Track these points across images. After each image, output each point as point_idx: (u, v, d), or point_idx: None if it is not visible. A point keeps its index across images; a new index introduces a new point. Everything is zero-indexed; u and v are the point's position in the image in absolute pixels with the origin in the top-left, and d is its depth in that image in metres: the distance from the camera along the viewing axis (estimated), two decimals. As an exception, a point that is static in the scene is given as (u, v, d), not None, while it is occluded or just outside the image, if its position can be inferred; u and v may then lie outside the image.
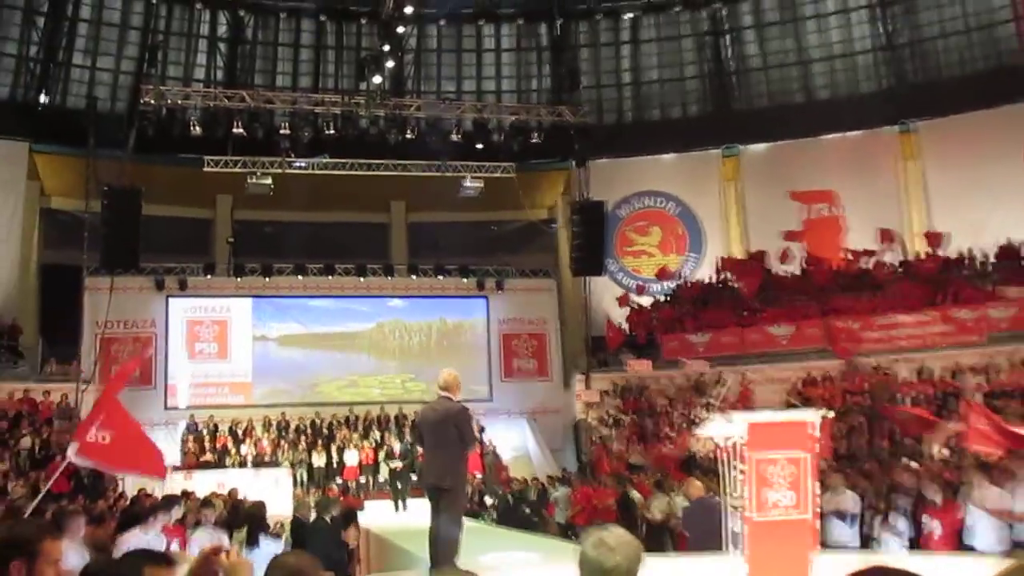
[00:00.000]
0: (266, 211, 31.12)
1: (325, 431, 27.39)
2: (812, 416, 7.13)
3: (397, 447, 24.46)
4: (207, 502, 11.81)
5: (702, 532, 9.09)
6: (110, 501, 16.52)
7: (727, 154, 32.71)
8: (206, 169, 28.12)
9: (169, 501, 10.41)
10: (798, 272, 29.24)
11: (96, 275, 26.71)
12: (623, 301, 29.90)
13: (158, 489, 21.27)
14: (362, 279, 30.38)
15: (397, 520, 19.89)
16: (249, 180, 27.84)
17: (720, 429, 7.20)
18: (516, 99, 32.82)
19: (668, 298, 30.47)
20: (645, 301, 30.80)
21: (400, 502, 21.72)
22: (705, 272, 31.33)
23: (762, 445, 6.79)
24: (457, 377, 8.57)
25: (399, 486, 22.27)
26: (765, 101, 32.74)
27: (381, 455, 25.77)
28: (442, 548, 8.13)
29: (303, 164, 28.69)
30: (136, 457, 9.37)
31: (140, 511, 9.63)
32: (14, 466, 21.55)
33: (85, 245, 26.10)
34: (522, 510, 18.65)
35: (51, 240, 29.92)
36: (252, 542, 9.55)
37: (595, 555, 3.07)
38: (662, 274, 31.34)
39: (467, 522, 8.89)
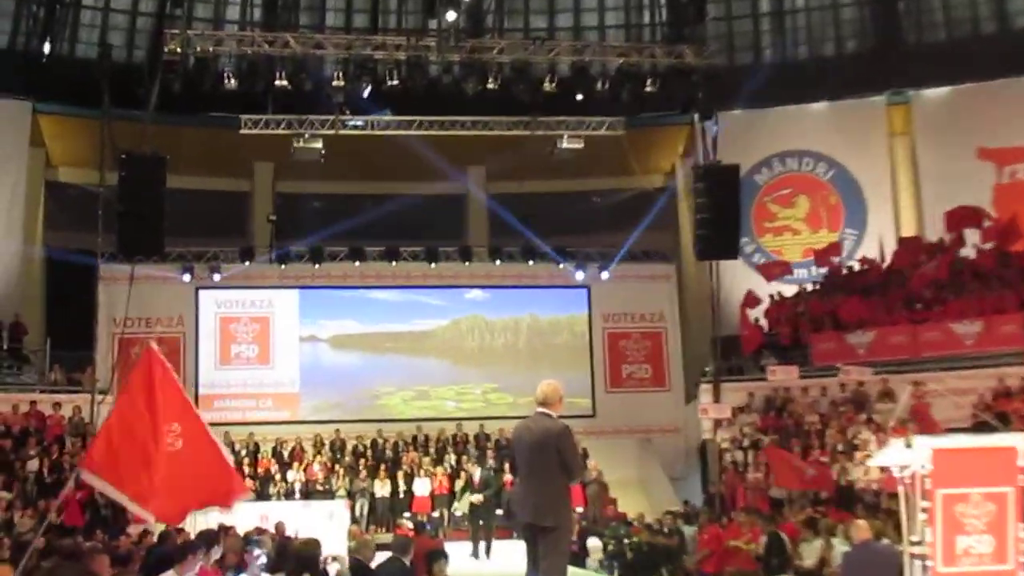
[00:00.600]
0: (315, 182, 31.58)
1: (389, 454, 27.71)
2: (1015, 440, 6.97)
3: (477, 474, 24.60)
4: (251, 539, 12.08)
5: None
6: (133, 537, 16.97)
7: (894, 101, 32.04)
8: (243, 131, 28.64)
9: (206, 539, 10.67)
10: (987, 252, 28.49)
11: (112, 262, 27.32)
12: (750, 301, 29.51)
13: (189, 523, 21.84)
14: (433, 266, 30.66)
15: (477, 568, 20.09)
16: (295, 144, 28.26)
17: (896, 457, 7.08)
18: (624, 37, 32.63)
19: (819, 286, 30.02)
20: (788, 290, 30.40)
21: (482, 545, 21.84)
22: (868, 252, 30.76)
23: (952, 478, 6.65)
24: (559, 389, 8.56)
25: (480, 524, 22.36)
26: (943, 33, 31.97)
27: (458, 484, 25.95)
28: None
29: (360, 123, 29.03)
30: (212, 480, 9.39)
31: (172, 550, 9.90)
32: (20, 492, 22.23)
33: (100, 226, 26.69)
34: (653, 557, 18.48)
35: (58, 220, 30.83)
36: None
37: None
38: (823, 257, 30.74)
39: (571, 571, 8.91)
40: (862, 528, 10.35)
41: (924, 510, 6.73)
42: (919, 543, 6.78)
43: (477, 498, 22.65)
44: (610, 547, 20.31)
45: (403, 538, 11.97)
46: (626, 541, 20.38)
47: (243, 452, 27.32)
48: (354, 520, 24.63)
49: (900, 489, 6.98)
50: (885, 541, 10.40)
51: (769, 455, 23.47)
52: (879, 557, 9.23)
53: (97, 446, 9.05)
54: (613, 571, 18.46)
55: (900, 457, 6.88)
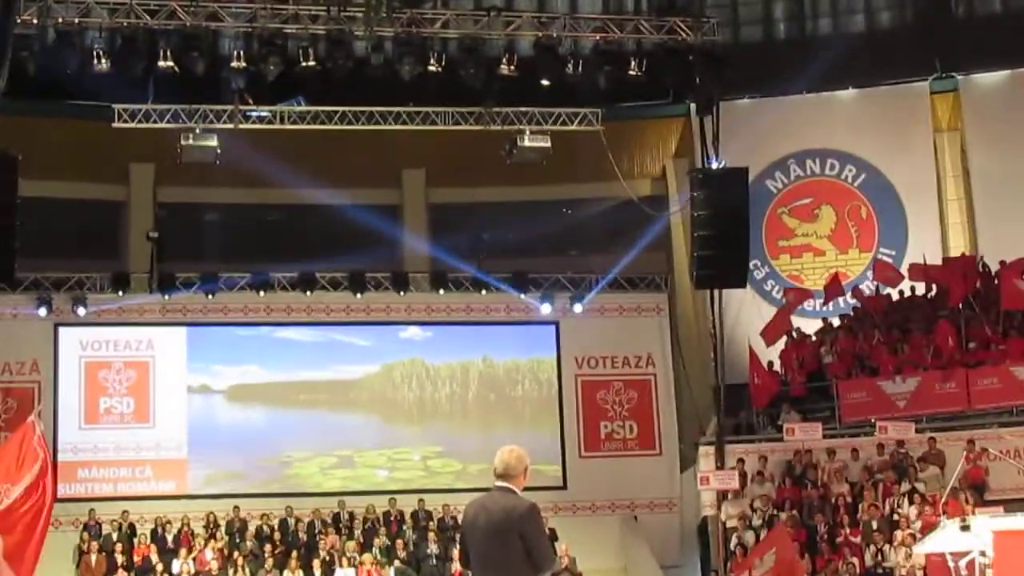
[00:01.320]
0: (209, 189, 31.56)
1: (303, 537, 27.62)
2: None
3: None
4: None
5: None
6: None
7: (940, 88, 32.49)
8: (116, 124, 28.52)
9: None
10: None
11: (-55, 293, 27.24)
12: (771, 335, 29.69)
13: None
14: (359, 296, 30.69)
15: None
16: (183, 140, 28.17)
17: (949, 541, 7.15)
18: (601, 7, 32.84)
19: (847, 321, 30.22)
20: (809, 326, 30.59)
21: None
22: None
23: (1019, 567, 6.73)
24: (524, 458, 8.56)
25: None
26: (999, 4, 32.41)
27: (389, 573, 25.87)
28: None
29: (266, 114, 28.98)
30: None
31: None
32: None
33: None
34: None
35: None
36: None
37: None
38: (831, 286, 31.02)
39: None
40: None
41: (985, 607, 6.81)
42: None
43: None
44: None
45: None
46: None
47: (114, 535, 27.18)
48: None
49: (954, 581, 7.06)
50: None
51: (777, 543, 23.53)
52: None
53: None
54: None
55: (953, 542, 6.96)
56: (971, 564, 6.87)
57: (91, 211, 32.15)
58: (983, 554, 6.83)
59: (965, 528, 6.81)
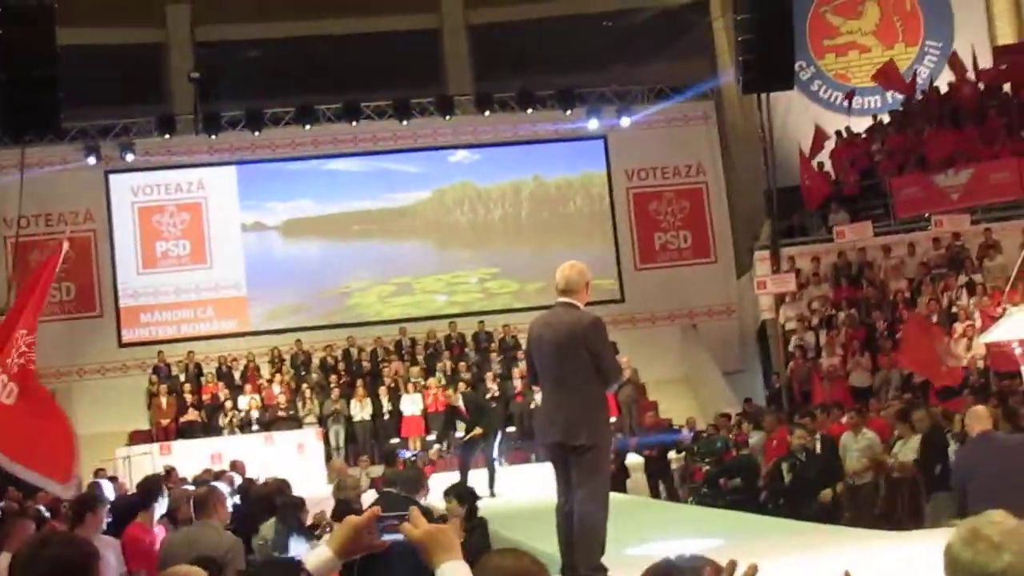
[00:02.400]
0: (248, 25, 31.33)
1: (367, 366, 27.93)
2: None
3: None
4: (205, 484, 12.12)
5: (990, 486, 9.11)
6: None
7: None
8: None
9: (148, 489, 10.69)
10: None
11: (-6, 146, 27.28)
12: (816, 145, 29.41)
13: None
14: (405, 123, 30.50)
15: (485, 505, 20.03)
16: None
17: (1016, 329, 7.12)
18: None
19: (897, 117, 29.89)
20: (859, 124, 30.27)
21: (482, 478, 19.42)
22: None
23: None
24: (585, 272, 8.61)
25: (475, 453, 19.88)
26: None
27: (457, 398, 26.16)
28: (582, 540, 8.26)
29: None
30: (41, 442, 9.94)
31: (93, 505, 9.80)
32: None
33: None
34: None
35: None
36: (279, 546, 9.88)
37: (971, 556, 3.26)
38: (883, 77, 30.66)
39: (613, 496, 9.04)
40: (980, 416, 10.39)
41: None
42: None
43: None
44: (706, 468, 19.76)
45: (412, 471, 12.13)
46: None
47: (182, 376, 27.58)
48: (333, 453, 24.94)
49: (1022, 369, 7.05)
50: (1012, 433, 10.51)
51: (911, 327, 22.97)
52: (1005, 451, 9.29)
53: None
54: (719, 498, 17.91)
55: (1020, 329, 6.92)
56: (1040, 349, 6.83)
57: (131, 56, 32.00)
58: (1051, 339, 6.78)
59: (1034, 314, 6.75)
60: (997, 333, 7.18)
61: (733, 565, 3.13)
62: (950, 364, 20.78)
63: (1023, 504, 7.10)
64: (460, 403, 21.07)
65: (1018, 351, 6.90)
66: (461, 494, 11.16)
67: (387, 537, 3.65)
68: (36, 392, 10.23)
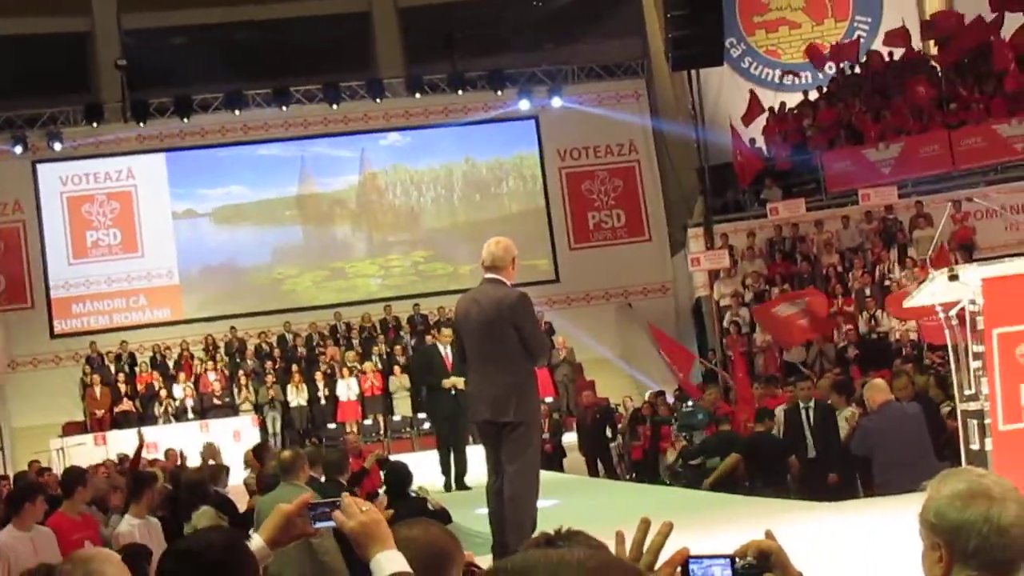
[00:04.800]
0: (173, 12, 31.06)
1: (302, 351, 27.82)
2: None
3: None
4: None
5: (893, 455, 9.28)
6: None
7: None
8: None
9: (76, 477, 10.61)
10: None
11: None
12: (752, 113, 29.54)
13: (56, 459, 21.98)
14: (335, 107, 30.41)
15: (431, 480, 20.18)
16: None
17: (938, 293, 7.17)
18: None
19: (827, 91, 30.07)
20: (791, 99, 30.44)
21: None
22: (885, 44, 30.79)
23: (1010, 313, 6.75)
24: (511, 248, 8.58)
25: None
26: None
27: (393, 382, 26.16)
28: (512, 517, 8.25)
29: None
30: None
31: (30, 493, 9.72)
32: None
33: None
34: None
35: None
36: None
37: (978, 513, 3.16)
38: (813, 53, 30.84)
39: (545, 475, 9.06)
40: (880, 388, 10.47)
41: (977, 356, 6.85)
42: (973, 397, 6.92)
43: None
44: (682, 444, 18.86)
45: (336, 452, 12.09)
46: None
47: (113, 367, 27.36)
48: (266, 438, 24.86)
49: (947, 333, 7.08)
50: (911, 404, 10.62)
51: (758, 317, 23.79)
52: (905, 419, 9.44)
53: None
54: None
55: (943, 293, 6.97)
56: (961, 313, 6.86)
57: (57, 45, 31.60)
58: (972, 302, 6.81)
59: (954, 278, 6.78)
60: (919, 298, 7.29)
61: (647, 523, 3.08)
62: (803, 321, 21.02)
63: (924, 471, 7.24)
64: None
65: (941, 315, 6.99)
66: (390, 470, 11.16)
67: (319, 525, 3.58)
68: None
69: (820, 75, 30.75)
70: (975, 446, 6.97)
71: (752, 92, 29.84)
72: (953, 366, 7.05)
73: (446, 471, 15.41)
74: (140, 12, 31.41)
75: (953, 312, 7.12)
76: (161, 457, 18.89)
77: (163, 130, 29.99)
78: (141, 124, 29.62)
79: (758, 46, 32.32)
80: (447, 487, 15.07)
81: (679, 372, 22.95)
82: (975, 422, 6.98)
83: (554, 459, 20.53)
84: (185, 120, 29.80)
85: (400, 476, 10.55)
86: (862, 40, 31.44)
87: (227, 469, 13.63)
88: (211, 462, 15.10)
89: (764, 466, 14.68)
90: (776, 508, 10.61)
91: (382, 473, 11.84)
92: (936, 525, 3.23)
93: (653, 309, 30.14)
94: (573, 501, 12.29)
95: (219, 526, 4.15)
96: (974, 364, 6.94)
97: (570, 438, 22.32)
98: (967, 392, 7.02)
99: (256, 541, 3.65)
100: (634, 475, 20.27)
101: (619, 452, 21.48)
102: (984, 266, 7.08)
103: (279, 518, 3.65)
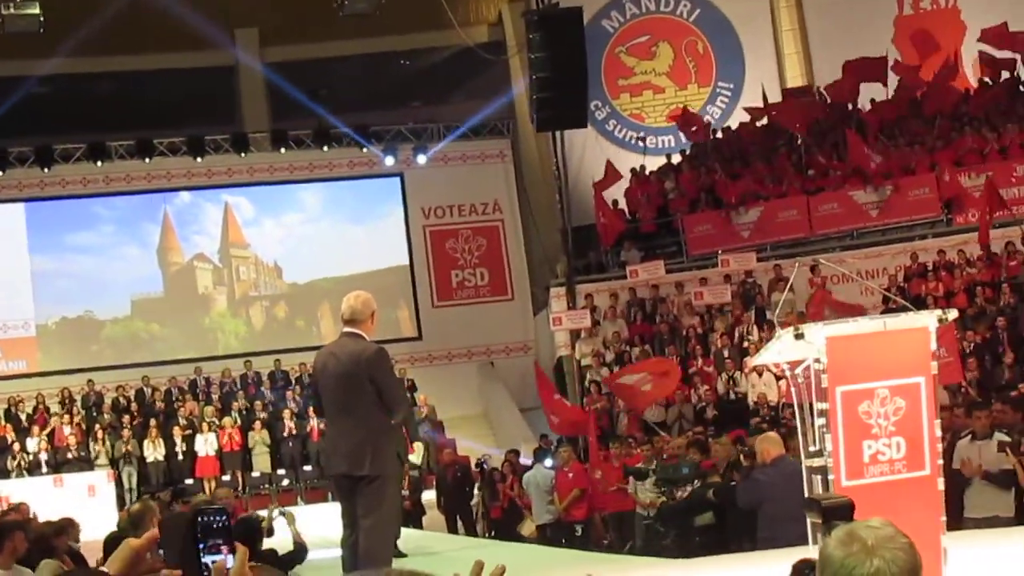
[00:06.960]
0: (35, 61, 30.60)
1: (160, 406, 27.46)
2: (926, 320, 7.31)
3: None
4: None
5: (779, 509, 9.40)
6: None
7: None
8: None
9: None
10: (890, 98, 29.43)
11: None
12: (608, 180, 29.91)
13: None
14: (199, 160, 30.25)
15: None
16: (4, 10, 27.36)
17: (785, 351, 7.35)
18: None
19: (689, 155, 30.60)
20: (654, 163, 30.91)
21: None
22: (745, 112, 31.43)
23: (852, 372, 6.96)
24: (370, 302, 8.65)
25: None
26: None
27: (252, 438, 25.93)
28: (366, 573, 8.27)
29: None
30: None
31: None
32: None
33: None
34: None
35: None
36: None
37: (843, 556, 3.28)
38: (681, 119, 31.41)
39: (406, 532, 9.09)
40: (774, 441, 10.61)
41: (822, 413, 7.04)
42: (818, 454, 7.11)
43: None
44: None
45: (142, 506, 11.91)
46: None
47: (-34, 418, 26.83)
48: (122, 493, 24.53)
49: (793, 392, 7.28)
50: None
51: (608, 385, 24.08)
52: (794, 476, 9.61)
53: None
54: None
55: (789, 351, 7.16)
56: (807, 371, 7.05)
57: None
58: (817, 361, 7.01)
59: (799, 336, 6.99)
60: (767, 356, 7.49)
61: (480, 565, 3.17)
62: (647, 387, 21.47)
63: (804, 528, 7.39)
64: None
65: (788, 373, 7.20)
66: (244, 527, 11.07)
67: (208, 559, 3.45)
68: None
69: (683, 138, 31.32)
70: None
71: (608, 162, 30.25)
72: (799, 423, 7.22)
73: None
74: (5, 61, 30.97)
75: (799, 370, 7.32)
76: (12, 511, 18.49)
77: (22, 179, 29.56)
78: (1, 173, 29.18)
79: (623, 109, 32.84)
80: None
81: (554, 416, 22.89)
82: (819, 477, 7.17)
83: (413, 516, 20.49)
84: (46, 170, 29.42)
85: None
86: (724, 105, 32.11)
87: (77, 524, 13.36)
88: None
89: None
90: (626, 565, 10.74)
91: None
92: (818, 560, 3.38)
93: (515, 367, 30.26)
94: (427, 559, 12.27)
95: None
96: (818, 421, 7.12)
97: (430, 495, 22.25)
98: (812, 448, 7.21)
99: None
100: (493, 533, 20.34)
101: (479, 510, 21.51)
102: (829, 325, 7.29)
103: (128, 552, 3.65)
